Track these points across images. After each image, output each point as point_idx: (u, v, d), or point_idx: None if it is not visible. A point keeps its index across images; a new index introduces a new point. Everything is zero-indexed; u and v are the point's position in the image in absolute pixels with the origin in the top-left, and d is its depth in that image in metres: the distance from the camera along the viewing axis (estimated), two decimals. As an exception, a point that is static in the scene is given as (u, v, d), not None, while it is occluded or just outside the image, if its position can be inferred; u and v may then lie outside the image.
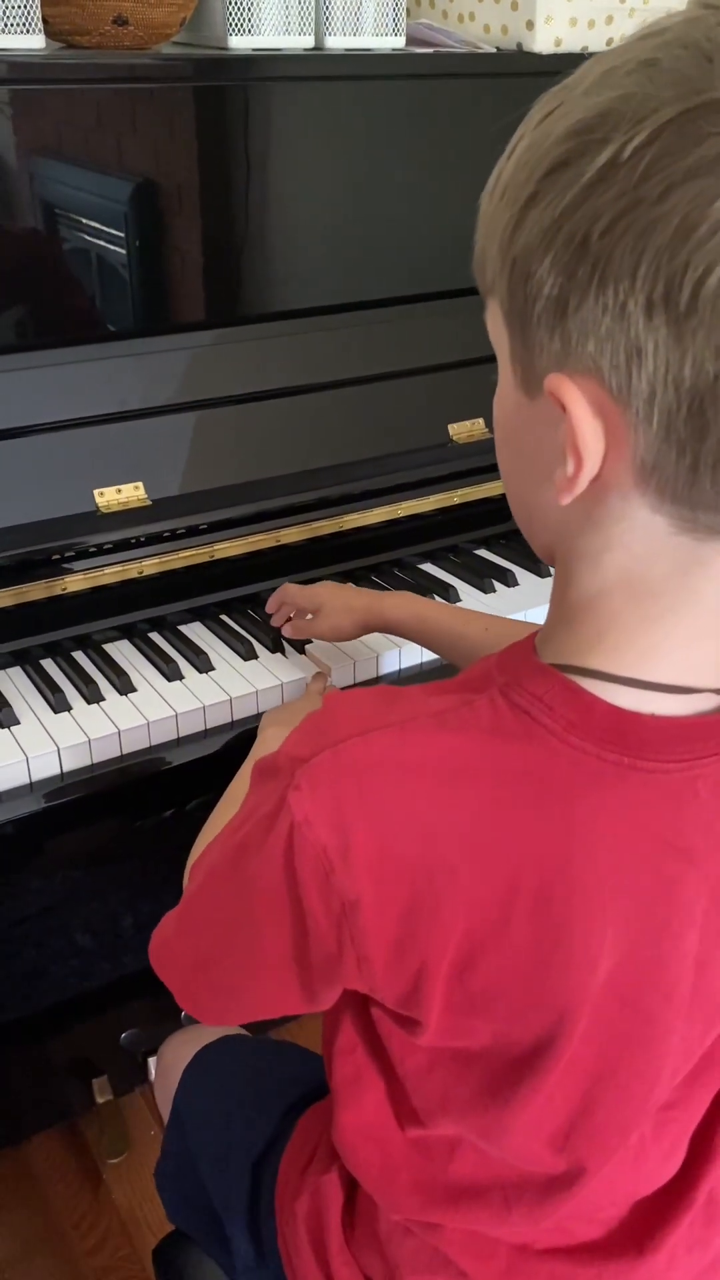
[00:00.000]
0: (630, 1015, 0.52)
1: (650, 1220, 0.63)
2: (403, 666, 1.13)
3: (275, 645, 1.10)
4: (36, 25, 1.04)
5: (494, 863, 0.48)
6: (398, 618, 0.97)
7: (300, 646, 1.10)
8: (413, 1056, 0.57)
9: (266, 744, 0.87)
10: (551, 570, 1.32)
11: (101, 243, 1.11)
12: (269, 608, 1.10)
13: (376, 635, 1.08)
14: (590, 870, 0.48)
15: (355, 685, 1.10)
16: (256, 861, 0.52)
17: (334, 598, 1.01)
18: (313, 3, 1.16)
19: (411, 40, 1.26)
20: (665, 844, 0.49)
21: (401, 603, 0.97)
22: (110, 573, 1.08)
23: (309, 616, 1.05)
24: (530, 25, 1.24)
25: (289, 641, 1.10)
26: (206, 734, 1.02)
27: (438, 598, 1.20)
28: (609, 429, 0.42)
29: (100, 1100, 1.35)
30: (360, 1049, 0.60)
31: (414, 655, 1.13)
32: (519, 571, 1.26)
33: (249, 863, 0.52)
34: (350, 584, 1.14)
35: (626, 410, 0.41)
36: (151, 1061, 1.33)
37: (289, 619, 1.07)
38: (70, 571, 1.06)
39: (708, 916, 0.51)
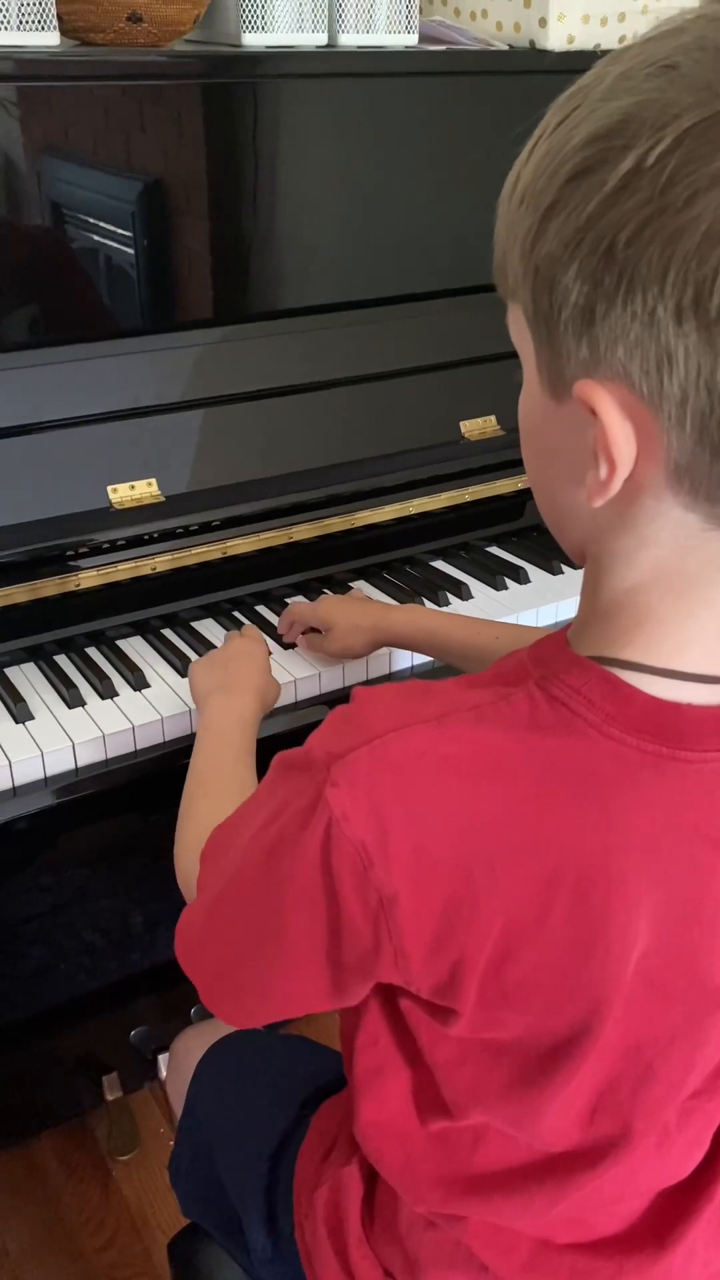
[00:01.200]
0: (661, 1004, 0.52)
1: (670, 1214, 0.63)
2: (416, 663, 1.13)
3: (288, 643, 1.10)
4: (52, 23, 1.04)
5: (533, 858, 0.48)
6: (406, 632, 0.97)
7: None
8: (443, 1048, 0.57)
9: (214, 716, 0.86)
10: (564, 569, 1.32)
11: (115, 241, 1.11)
12: (280, 628, 1.09)
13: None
14: (627, 862, 0.48)
15: (366, 682, 1.10)
16: (291, 859, 0.51)
17: (343, 617, 1.00)
18: (326, 0, 1.17)
19: (424, 38, 1.27)
20: (700, 834, 0.49)
21: (409, 617, 0.97)
22: (124, 569, 1.08)
23: (318, 632, 1.04)
24: (543, 22, 1.24)
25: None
26: (220, 730, 1.02)
27: (450, 595, 1.20)
28: (640, 433, 0.43)
29: (110, 1097, 1.35)
30: (383, 1041, 0.60)
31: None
32: (530, 569, 1.26)
33: (282, 860, 0.52)
34: (355, 594, 1.13)
35: (659, 414, 0.42)
36: (161, 1058, 1.33)
37: (301, 634, 1.07)
38: (84, 568, 1.06)
39: None
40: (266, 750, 1.04)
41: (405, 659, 1.12)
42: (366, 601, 1.05)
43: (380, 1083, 0.61)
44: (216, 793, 0.77)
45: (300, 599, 1.17)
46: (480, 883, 0.48)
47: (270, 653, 0.98)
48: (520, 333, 0.48)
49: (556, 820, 0.48)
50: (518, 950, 0.49)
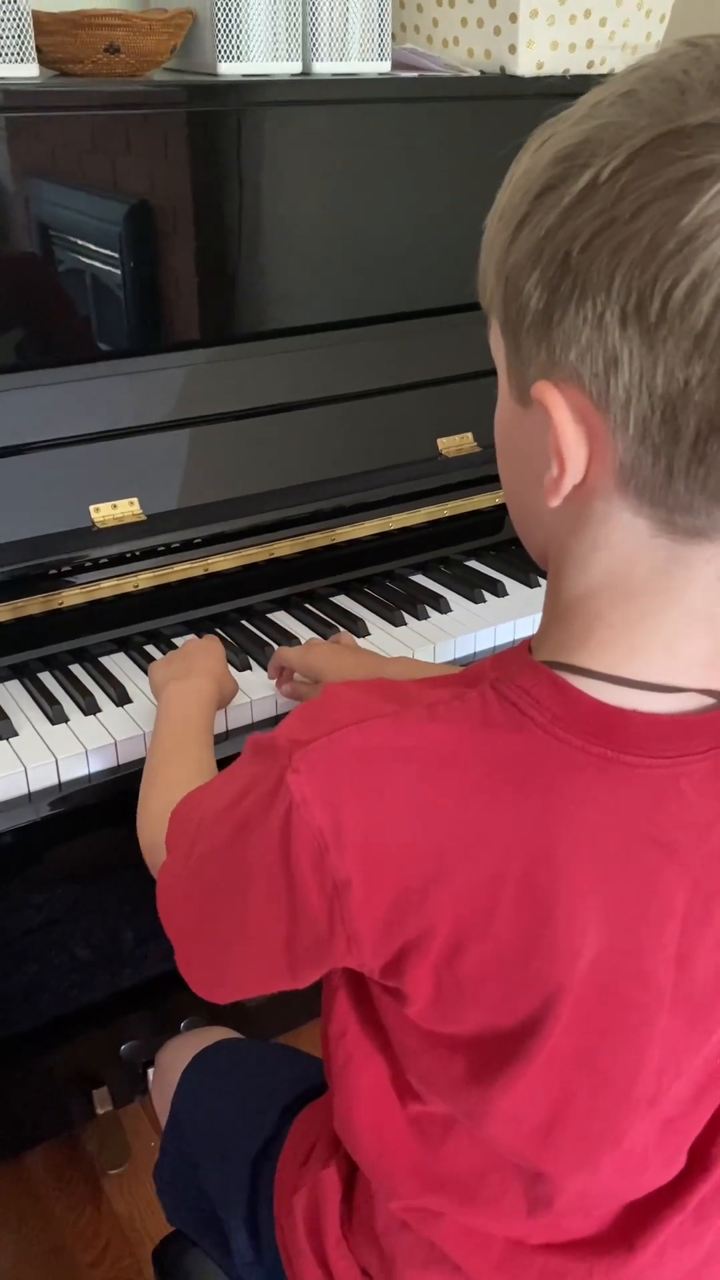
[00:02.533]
0: (608, 1005, 0.53)
1: (643, 1218, 0.64)
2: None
3: (268, 657, 1.12)
4: (30, 54, 1.06)
5: (480, 848, 0.50)
6: None
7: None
8: (407, 1035, 0.58)
9: (169, 699, 0.88)
10: (541, 581, 1.34)
11: (96, 265, 1.14)
12: (269, 674, 1.06)
13: (389, 640, 1.12)
14: (573, 858, 0.50)
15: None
16: (256, 839, 0.54)
17: (334, 670, 0.97)
18: (300, 29, 1.19)
19: (397, 65, 1.29)
20: (645, 837, 0.50)
21: (404, 670, 0.97)
22: (106, 587, 1.10)
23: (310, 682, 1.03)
24: (513, 50, 1.27)
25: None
26: (202, 744, 1.04)
27: (429, 608, 1.21)
28: (591, 435, 0.45)
29: (100, 1111, 1.36)
30: (352, 1031, 0.62)
31: (426, 658, 1.14)
32: (508, 582, 1.28)
33: (246, 837, 0.55)
34: (343, 640, 1.08)
35: (606, 416, 0.44)
36: (152, 1072, 1.34)
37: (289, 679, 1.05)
38: (67, 586, 1.08)
39: (689, 909, 0.52)
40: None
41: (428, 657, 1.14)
42: (359, 652, 1.03)
43: (353, 1073, 0.63)
44: (178, 765, 0.80)
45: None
46: (431, 870, 0.50)
47: (250, 668, 0.99)
48: (497, 344, 0.51)
49: (503, 811, 0.50)
50: (469, 941, 0.51)
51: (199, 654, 0.97)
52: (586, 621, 0.50)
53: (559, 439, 0.45)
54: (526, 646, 0.54)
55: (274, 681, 1.05)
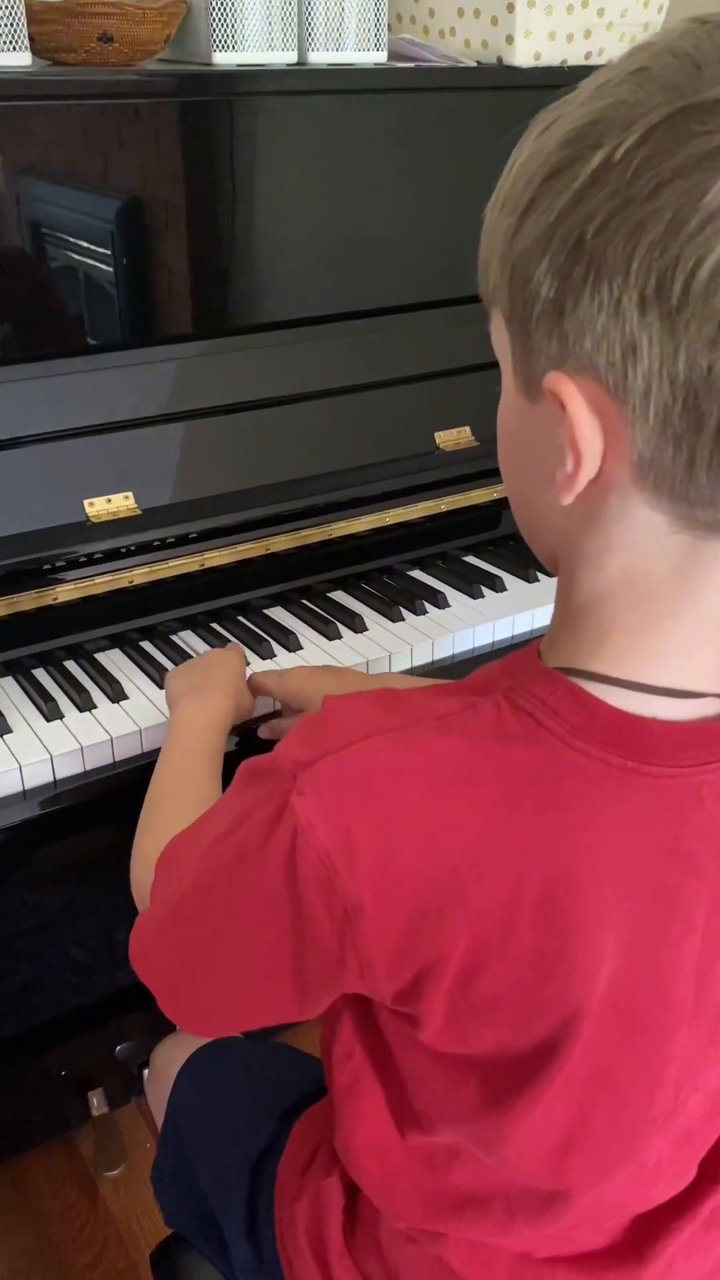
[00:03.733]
0: (628, 1024, 0.52)
1: (653, 1230, 0.63)
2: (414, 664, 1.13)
3: (266, 652, 1.11)
4: (23, 43, 1.05)
5: (498, 868, 0.48)
6: None
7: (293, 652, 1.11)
8: (417, 1060, 0.56)
9: (185, 717, 0.85)
10: (540, 576, 1.33)
11: (90, 257, 1.12)
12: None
13: (387, 636, 1.10)
14: (592, 876, 0.48)
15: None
16: (256, 866, 0.51)
17: (315, 694, 0.91)
18: (295, 19, 1.18)
19: (393, 55, 1.28)
20: (666, 850, 0.49)
21: (390, 685, 0.92)
22: (101, 582, 1.09)
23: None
24: (510, 40, 1.26)
25: (278, 647, 1.11)
26: (198, 740, 1.02)
27: (427, 604, 1.20)
28: (607, 426, 0.43)
29: (96, 1113, 1.35)
30: (358, 1055, 0.60)
31: (425, 654, 1.14)
32: (506, 577, 1.27)
33: (245, 868, 0.52)
34: (322, 666, 1.02)
35: (623, 407, 0.42)
36: (147, 1073, 1.33)
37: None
38: (61, 581, 1.07)
39: (709, 924, 0.50)
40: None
41: (404, 661, 1.13)
42: (341, 672, 0.98)
43: (357, 1096, 0.61)
44: (177, 801, 0.77)
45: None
46: (445, 892, 0.48)
47: (248, 663, 0.97)
48: (500, 337, 0.49)
49: (521, 831, 0.48)
50: (485, 963, 0.49)
51: (217, 667, 0.92)
52: (602, 625, 0.48)
53: (575, 431, 0.43)
54: (535, 651, 0.52)
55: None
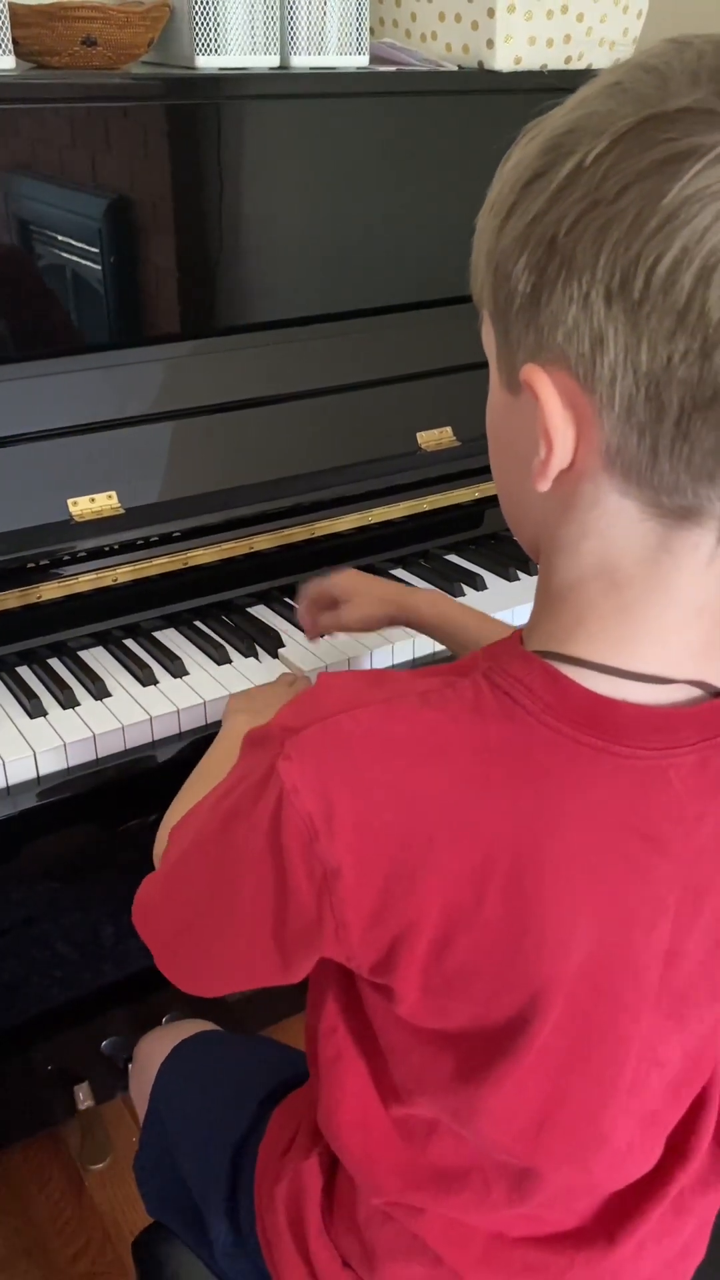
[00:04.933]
0: (601, 1003, 0.53)
1: (623, 1211, 0.64)
2: (395, 661, 1.15)
3: (248, 650, 1.12)
4: (7, 46, 1.06)
5: (469, 837, 0.50)
6: (427, 615, 0.96)
7: (274, 651, 1.12)
8: (395, 1034, 0.58)
9: (233, 730, 0.88)
10: (520, 575, 1.34)
11: (75, 258, 1.13)
12: (299, 614, 1.05)
13: (370, 634, 1.11)
14: (561, 850, 0.50)
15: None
16: (244, 827, 0.53)
17: (365, 587, 0.99)
18: (278, 23, 1.19)
19: (375, 59, 1.29)
20: (635, 831, 0.50)
21: (432, 600, 0.97)
22: (85, 581, 1.10)
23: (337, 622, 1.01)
24: (490, 44, 1.27)
25: (261, 646, 1.12)
26: (181, 737, 1.04)
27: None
28: (579, 416, 0.45)
29: (82, 1107, 1.36)
30: (341, 1029, 0.62)
31: (406, 652, 1.15)
32: (488, 576, 1.28)
33: (236, 828, 0.54)
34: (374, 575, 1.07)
35: (592, 396, 0.44)
36: (131, 1067, 1.34)
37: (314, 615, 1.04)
38: (45, 580, 1.08)
39: (680, 907, 0.52)
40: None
41: (407, 651, 1.15)
42: (387, 580, 1.05)
43: (340, 1070, 0.63)
44: (203, 787, 0.80)
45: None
46: (418, 857, 0.50)
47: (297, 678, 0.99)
48: (488, 335, 0.51)
49: (493, 800, 0.50)
50: (457, 932, 0.51)
51: (272, 696, 0.95)
52: (578, 611, 0.51)
53: (546, 420, 0.46)
54: (518, 637, 0.54)
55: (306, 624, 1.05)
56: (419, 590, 1.01)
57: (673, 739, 0.50)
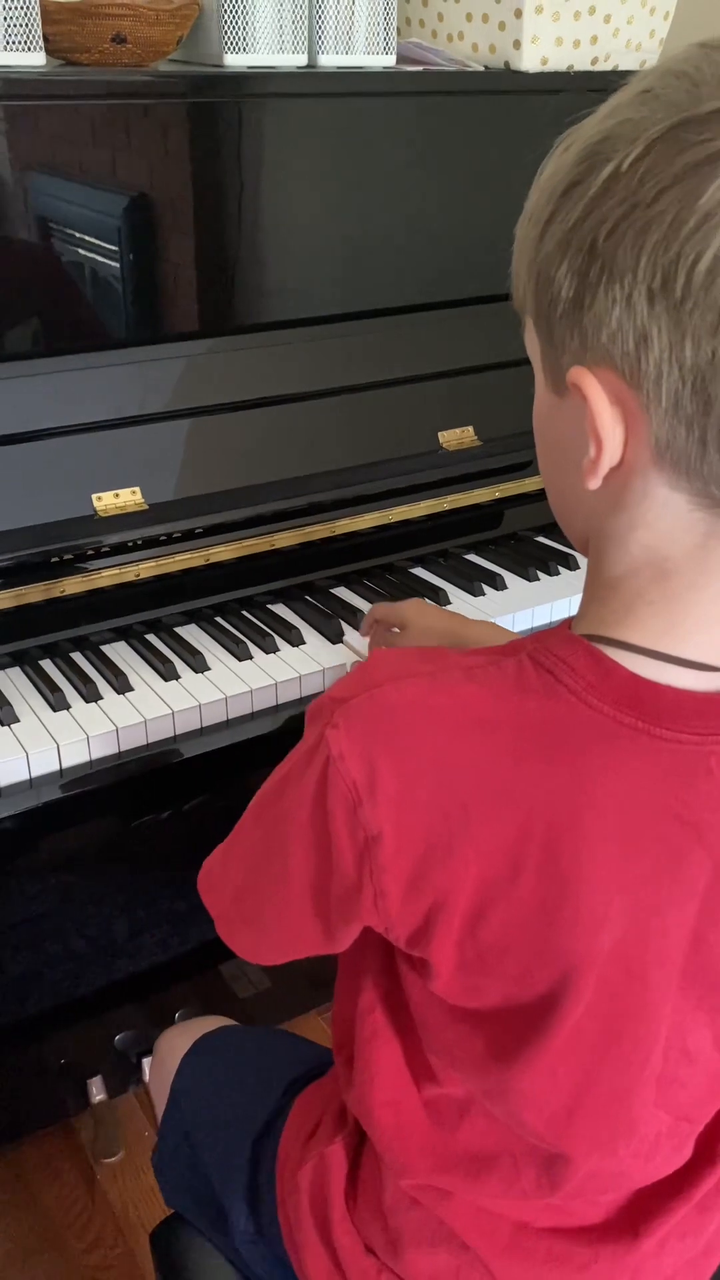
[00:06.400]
0: (631, 986, 0.54)
1: (648, 1207, 0.65)
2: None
3: (270, 646, 1.12)
4: (38, 43, 1.06)
5: (506, 808, 0.51)
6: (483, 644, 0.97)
7: (296, 644, 1.12)
8: (430, 1011, 0.59)
9: None
10: (540, 576, 1.35)
11: (100, 255, 1.14)
12: (362, 630, 1.12)
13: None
14: (598, 828, 0.50)
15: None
16: (294, 792, 0.55)
17: (418, 617, 1.02)
18: (306, 22, 1.20)
19: (402, 59, 1.30)
20: (673, 815, 0.51)
21: (487, 633, 0.99)
22: (108, 575, 1.10)
23: (395, 631, 1.05)
24: (517, 45, 1.28)
25: (283, 641, 1.13)
26: (203, 731, 1.04)
27: (429, 600, 1.22)
28: (626, 414, 0.46)
29: (95, 1101, 1.36)
30: (379, 1008, 0.63)
31: None
32: (508, 576, 1.28)
33: (287, 793, 0.56)
34: (433, 604, 1.13)
35: (639, 393, 0.45)
36: (146, 1062, 1.35)
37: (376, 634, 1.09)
38: (69, 574, 1.08)
39: (709, 891, 0.53)
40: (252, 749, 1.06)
41: None
42: (446, 611, 1.08)
43: (376, 1047, 0.64)
44: None
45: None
46: (455, 827, 0.51)
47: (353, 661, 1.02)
48: (531, 341, 0.53)
49: (532, 775, 0.51)
50: (492, 904, 0.52)
51: None
52: (626, 599, 0.52)
53: (595, 419, 0.47)
54: (567, 624, 0.56)
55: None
56: (473, 621, 1.02)
57: (715, 725, 0.51)
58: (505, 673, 0.53)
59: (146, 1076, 1.27)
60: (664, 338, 0.44)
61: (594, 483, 0.49)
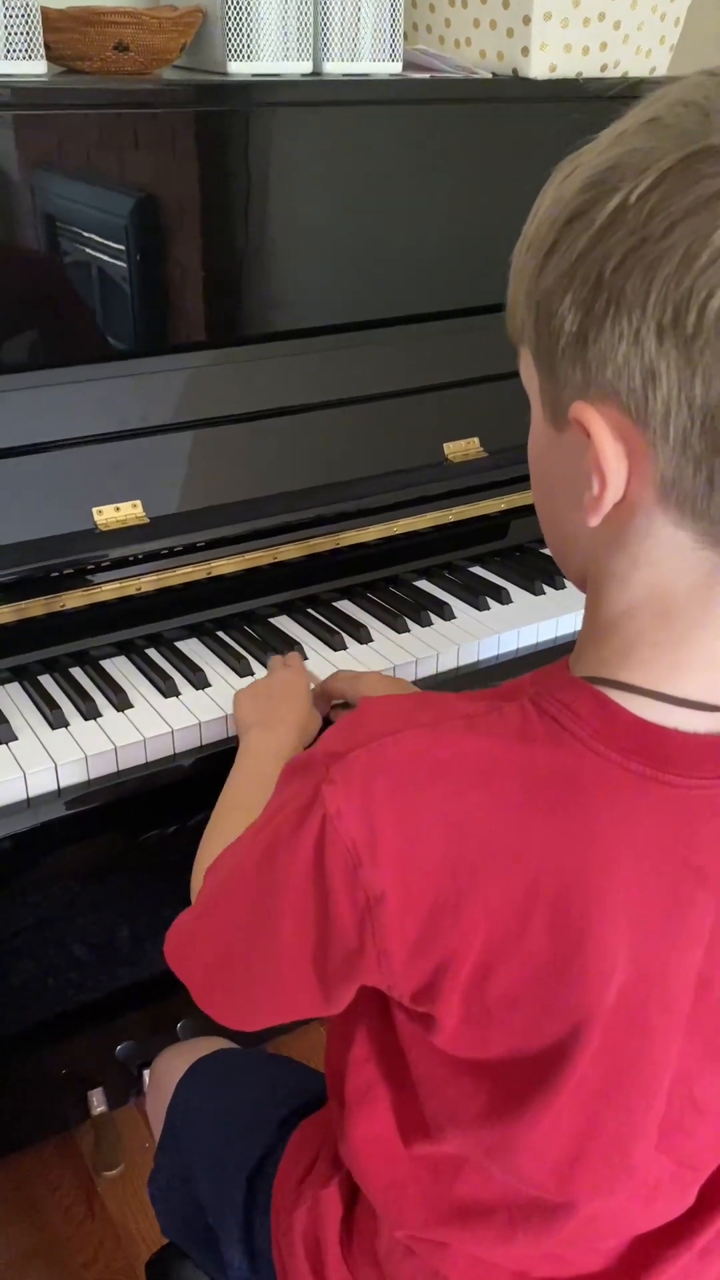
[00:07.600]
0: (635, 1034, 0.53)
1: (650, 1254, 0.63)
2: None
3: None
4: (39, 51, 1.05)
5: (515, 865, 0.49)
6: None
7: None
8: (430, 1065, 0.58)
9: (250, 748, 0.88)
10: (545, 589, 1.33)
11: (103, 266, 1.13)
12: (314, 701, 0.99)
13: (392, 648, 1.09)
14: (607, 881, 0.49)
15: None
16: (285, 854, 0.53)
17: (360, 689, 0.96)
18: (311, 29, 1.18)
19: (408, 66, 1.28)
20: (681, 861, 0.50)
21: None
22: (109, 590, 1.09)
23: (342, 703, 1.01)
24: (525, 52, 1.26)
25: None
26: (203, 749, 1.03)
27: (433, 614, 1.21)
28: (630, 451, 0.45)
29: (95, 1112, 1.36)
30: (374, 1061, 0.62)
31: (429, 667, 1.15)
32: (513, 589, 1.27)
33: (277, 855, 0.54)
34: (396, 679, 1.05)
35: (645, 431, 0.44)
36: (147, 1073, 1.34)
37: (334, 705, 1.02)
38: (69, 588, 1.07)
39: (714, 935, 0.52)
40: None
41: (409, 673, 1.13)
42: (408, 688, 0.99)
43: (370, 1101, 0.63)
44: (235, 819, 0.79)
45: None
46: (464, 886, 0.49)
47: (311, 685, 0.98)
48: (528, 372, 0.51)
49: (539, 829, 0.49)
50: (500, 961, 0.50)
51: (281, 700, 0.93)
52: (627, 639, 0.50)
53: (599, 456, 0.46)
54: (565, 664, 0.54)
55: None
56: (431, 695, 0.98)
57: None
58: (508, 719, 0.51)
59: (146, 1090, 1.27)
60: (673, 375, 0.42)
61: (595, 520, 0.48)
